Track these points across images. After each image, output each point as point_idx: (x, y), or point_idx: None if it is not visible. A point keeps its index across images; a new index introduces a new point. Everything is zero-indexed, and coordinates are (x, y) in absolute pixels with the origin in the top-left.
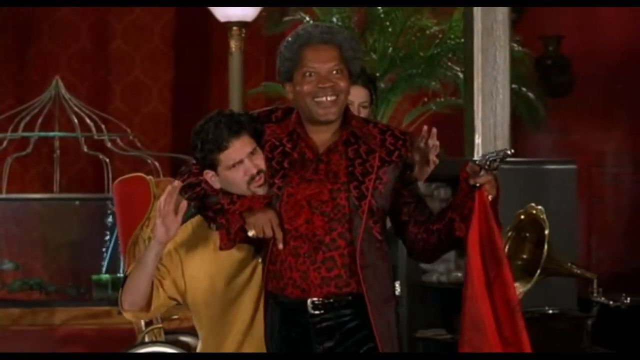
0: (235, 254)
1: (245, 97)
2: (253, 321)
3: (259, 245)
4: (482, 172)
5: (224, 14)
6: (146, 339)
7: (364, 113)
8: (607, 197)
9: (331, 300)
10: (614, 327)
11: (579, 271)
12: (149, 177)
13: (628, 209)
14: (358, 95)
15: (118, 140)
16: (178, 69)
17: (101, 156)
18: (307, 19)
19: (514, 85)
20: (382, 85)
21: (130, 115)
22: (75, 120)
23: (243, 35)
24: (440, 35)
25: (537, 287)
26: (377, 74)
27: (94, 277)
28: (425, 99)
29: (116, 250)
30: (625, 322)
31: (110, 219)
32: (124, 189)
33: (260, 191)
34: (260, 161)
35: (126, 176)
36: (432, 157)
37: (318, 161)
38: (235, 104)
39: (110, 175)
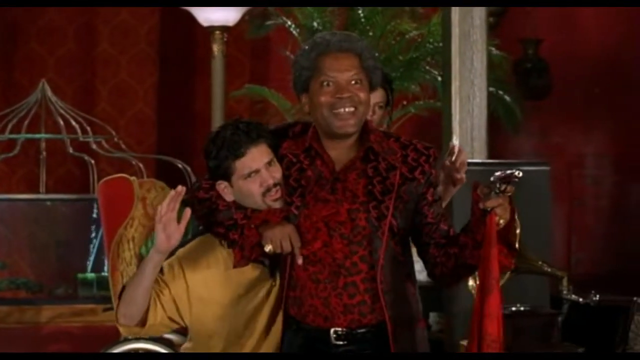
0: (247, 275)
1: (228, 99)
2: (261, 347)
3: (274, 266)
4: (492, 195)
5: (206, 18)
6: (130, 336)
7: (379, 114)
8: (587, 198)
9: (355, 331)
10: (584, 323)
11: (549, 269)
12: (133, 178)
13: (608, 210)
14: (374, 96)
15: (103, 142)
16: (163, 71)
17: (86, 157)
18: (289, 23)
19: (492, 88)
20: None
21: (116, 117)
22: (61, 122)
23: (225, 39)
24: (419, 39)
25: (510, 286)
26: None
27: (80, 275)
28: (405, 102)
29: (101, 249)
30: (594, 319)
31: (94, 219)
32: (108, 190)
33: (276, 205)
34: (277, 173)
35: (110, 177)
36: (459, 176)
37: (335, 180)
38: (217, 107)
39: (95, 176)
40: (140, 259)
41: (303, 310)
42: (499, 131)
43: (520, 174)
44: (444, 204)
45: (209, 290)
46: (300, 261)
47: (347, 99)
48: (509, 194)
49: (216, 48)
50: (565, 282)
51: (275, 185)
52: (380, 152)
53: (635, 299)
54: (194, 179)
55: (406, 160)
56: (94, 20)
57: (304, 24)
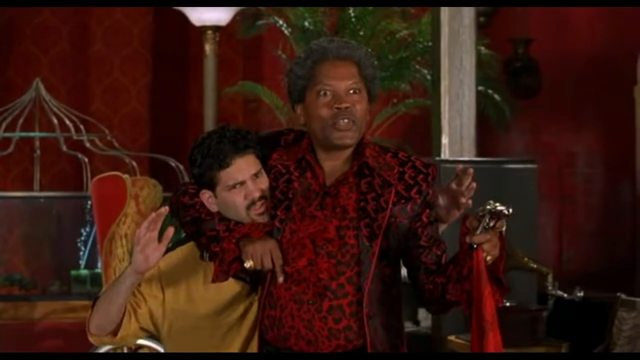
0: (227, 290)
1: (221, 97)
2: None
3: (255, 282)
4: (480, 231)
5: (198, 18)
6: (99, 345)
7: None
8: (578, 196)
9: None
10: (569, 319)
11: (535, 265)
12: (125, 176)
13: (598, 208)
14: None
15: (96, 141)
16: (156, 71)
17: (80, 156)
18: (281, 22)
19: (481, 87)
20: None
21: (109, 115)
22: (55, 121)
23: (217, 38)
24: (409, 39)
25: None
26: None
27: (73, 272)
28: (395, 100)
29: (95, 246)
30: (579, 315)
31: (88, 217)
32: (101, 187)
33: (261, 219)
34: (264, 185)
35: (103, 175)
36: (465, 201)
37: (325, 194)
38: (210, 105)
39: (88, 174)
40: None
41: (283, 332)
42: (490, 129)
43: (511, 211)
44: (443, 228)
45: (185, 304)
46: (281, 280)
47: (346, 110)
48: (499, 229)
49: (208, 48)
50: (550, 278)
51: (260, 198)
52: (376, 167)
53: (618, 294)
54: (186, 177)
55: (403, 178)
56: (87, 20)
57: (296, 23)
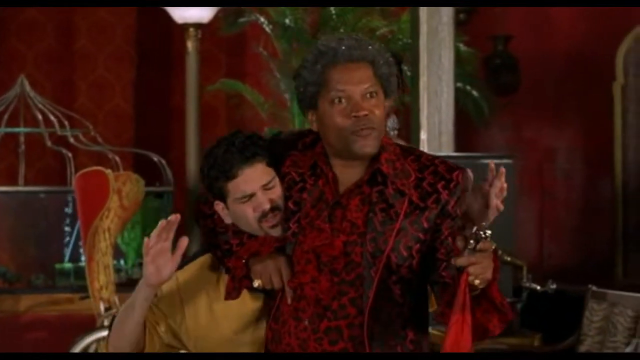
0: (249, 305)
1: (203, 94)
2: None
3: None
4: (466, 253)
5: (181, 15)
6: (105, 323)
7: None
8: (559, 192)
9: None
10: (542, 310)
11: (509, 258)
12: (108, 171)
13: (579, 203)
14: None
15: (80, 136)
16: (140, 67)
17: (64, 151)
18: (262, 19)
19: (461, 84)
20: None
21: (94, 111)
22: (40, 117)
23: (199, 36)
24: (389, 36)
25: None
26: None
27: (57, 266)
28: None
29: (78, 240)
30: (551, 306)
31: (72, 211)
32: (84, 182)
33: (274, 232)
34: (276, 195)
35: (86, 170)
36: (497, 202)
37: (335, 205)
38: (192, 101)
39: (72, 169)
40: (116, 249)
41: (280, 347)
42: (471, 126)
43: (489, 233)
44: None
45: (207, 322)
46: (290, 300)
47: (365, 118)
48: (486, 251)
49: (190, 45)
50: (525, 271)
51: (272, 209)
52: (390, 174)
53: (590, 286)
54: (169, 171)
55: (420, 185)
56: (72, 17)
57: (277, 20)
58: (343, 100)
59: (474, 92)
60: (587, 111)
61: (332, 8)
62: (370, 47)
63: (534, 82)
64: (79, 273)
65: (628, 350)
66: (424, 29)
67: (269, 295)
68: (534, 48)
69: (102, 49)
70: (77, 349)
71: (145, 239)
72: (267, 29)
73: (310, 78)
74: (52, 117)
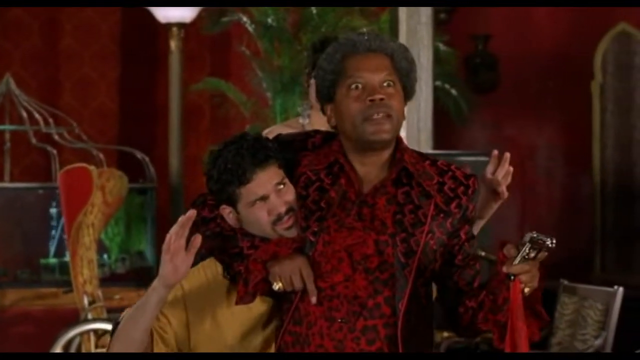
0: (254, 310)
1: (187, 93)
2: None
3: (282, 300)
4: (518, 260)
5: (164, 15)
6: (89, 317)
7: None
8: (540, 189)
9: None
10: None
11: (483, 254)
12: (92, 167)
13: (559, 200)
14: None
15: (65, 134)
16: (125, 66)
17: (49, 148)
18: (244, 19)
19: (440, 83)
20: None
21: (79, 109)
22: (25, 115)
23: (182, 35)
24: None
25: None
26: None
27: (42, 260)
28: None
29: (63, 235)
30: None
31: (57, 207)
32: (68, 179)
33: (289, 234)
34: (290, 196)
35: (70, 166)
36: (502, 189)
37: (362, 203)
38: (175, 100)
39: (57, 166)
40: (100, 244)
41: (308, 349)
42: (454, 124)
43: (555, 243)
44: (481, 224)
45: (211, 329)
46: (314, 300)
47: (381, 103)
48: (539, 260)
49: (173, 44)
50: None
51: (287, 212)
52: (415, 174)
53: (561, 281)
54: (152, 168)
55: (442, 189)
56: (58, 16)
57: (259, 20)
58: (360, 87)
59: (453, 91)
60: (567, 110)
61: (313, 8)
62: (390, 42)
63: (514, 81)
64: (64, 268)
65: (597, 342)
66: (403, 28)
67: (284, 299)
68: (514, 47)
69: (88, 48)
70: (62, 342)
71: (167, 236)
72: (250, 29)
73: (329, 67)
74: (37, 115)
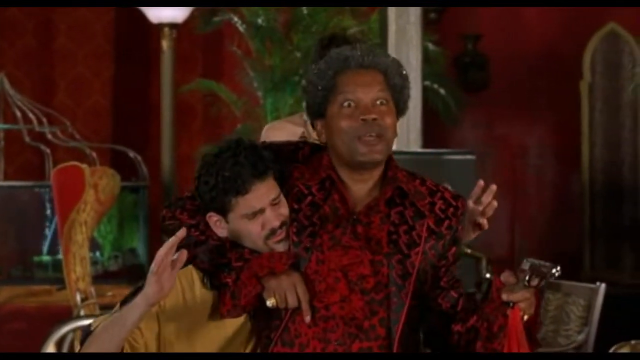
0: (229, 324)
1: (179, 93)
2: None
3: (260, 315)
4: (519, 288)
5: (156, 15)
6: (82, 313)
7: None
8: (530, 188)
9: None
10: None
11: (469, 251)
12: (84, 166)
13: (549, 199)
14: None
15: (58, 132)
16: (119, 65)
17: (42, 147)
18: (236, 19)
19: (430, 82)
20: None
21: (73, 108)
22: (19, 114)
23: (174, 35)
24: (359, 36)
25: None
26: (301, 71)
27: (35, 258)
28: None
29: (56, 233)
30: None
31: (50, 205)
32: (61, 177)
33: (279, 248)
34: (284, 210)
35: (63, 165)
36: (483, 221)
37: (355, 222)
38: (167, 99)
39: (50, 165)
40: (93, 242)
41: None
42: (445, 124)
43: (560, 271)
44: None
45: (183, 342)
46: (308, 319)
47: (373, 123)
48: (538, 288)
49: (165, 44)
50: (484, 263)
51: (281, 225)
52: (410, 194)
53: None
54: (144, 167)
55: (433, 210)
56: (52, 15)
57: (250, 20)
58: (352, 105)
59: (442, 90)
60: (557, 109)
61: (304, 8)
62: (383, 57)
63: (505, 80)
64: (57, 265)
65: (580, 338)
66: (392, 28)
67: (272, 316)
68: (504, 47)
69: (82, 47)
70: (54, 338)
71: (156, 256)
72: (241, 29)
73: (320, 83)
74: (30, 115)
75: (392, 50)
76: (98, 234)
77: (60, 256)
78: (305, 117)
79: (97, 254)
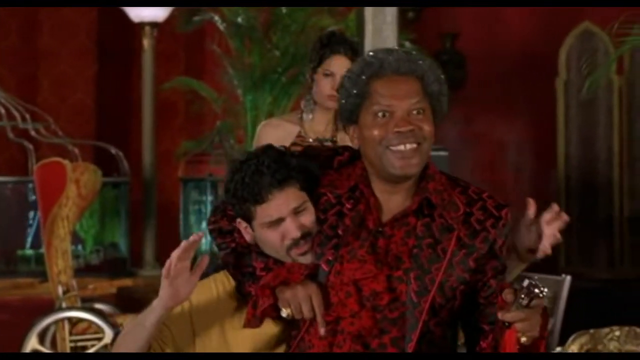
0: (266, 330)
1: (161, 90)
2: None
3: (295, 323)
4: (515, 307)
5: (137, 15)
6: (64, 305)
7: None
8: (508, 183)
9: None
10: None
11: None
12: (66, 162)
13: (528, 194)
14: (341, 67)
15: (41, 129)
16: (101, 63)
17: (26, 143)
18: (216, 18)
19: None
20: (284, 79)
21: (57, 106)
22: (3, 111)
23: (155, 34)
24: None
25: None
26: (280, 69)
27: (19, 252)
28: None
29: (39, 228)
30: None
31: (33, 200)
32: (43, 173)
33: (303, 260)
34: (307, 221)
35: (45, 161)
36: (546, 245)
37: (378, 234)
38: (148, 97)
39: (34, 161)
40: (75, 236)
41: None
42: None
43: (546, 292)
44: (518, 270)
45: (219, 345)
46: (322, 331)
47: (409, 133)
48: (537, 307)
49: (146, 42)
50: None
51: (303, 236)
52: (439, 205)
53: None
54: (125, 163)
55: (468, 221)
56: (36, 15)
57: (230, 19)
58: (386, 115)
59: None
60: (535, 106)
61: (283, 7)
62: (420, 62)
63: (482, 78)
64: (40, 259)
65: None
66: (369, 27)
67: (293, 325)
68: (482, 45)
69: (65, 46)
70: (37, 329)
71: (168, 261)
72: (221, 27)
73: (354, 89)
74: (14, 112)
75: (368, 49)
76: (80, 228)
77: (43, 250)
78: (304, 116)
79: (79, 247)
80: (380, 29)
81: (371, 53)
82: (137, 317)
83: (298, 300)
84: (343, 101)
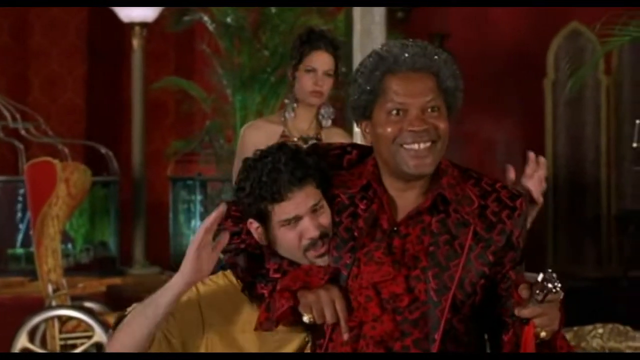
0: (274, 334)
1: (151, 90)
2: None
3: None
4: (531, 303)
5: (127, 15)
6: (53, 304)
7: (328, 82)
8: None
9: None
10: None
11: None
12: (56, 161)
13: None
14: (322, 62)
15: (31, 129)
16: (92, 63)
17: (16, 143)
18: (206, 18)
19: None
20: (273, 79)
21: (47, 105)
22: None
23: (144, 34)
24: None
25: None
26: (269, 69)
27: (10, 251)
28: None
29: (29, 226)
30: None
31: (23, 199)
32: (33, 172)
33: (320, 262)
34: (325, 220)
35: (35, 160)
36: (536, 195)
37: (393, 233)
38: (137, 97)
39: (24, 160)
40: (65, 235)
41: None
42: None
43: (559, 286)
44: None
45: (226, 343)
46: (346, 336)
47: (423, 132)
48: (554, 302)
49: (136, 42)
50: None
51: (321, 237)
52: (453, 200)
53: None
54: (115, 162)
55: (484, 214)
56: (27, 15)
57: (219, 19)
58: (400, 113)
59: None
60: (524, 105)
61: (272, 7)
62: (436, 57)
63: (471, 78)
64: (30, 258)
65: None
66: (357, 28)
67: (315, 331)
68: (471, 45)
69: (55, 46)
70: (27, 327)
71: (197, 232)
72: (211, 28)
73: (367, 86)
74: (5, 112)
75: (357, 50)
76: (70, 227)
77: (33, 249)
78: (287, 114)
79: (69, 246)
80: (369, 29)
81: (385, 47)
82: (144, 301)
83: (321, 305)
84: (356, 97)
